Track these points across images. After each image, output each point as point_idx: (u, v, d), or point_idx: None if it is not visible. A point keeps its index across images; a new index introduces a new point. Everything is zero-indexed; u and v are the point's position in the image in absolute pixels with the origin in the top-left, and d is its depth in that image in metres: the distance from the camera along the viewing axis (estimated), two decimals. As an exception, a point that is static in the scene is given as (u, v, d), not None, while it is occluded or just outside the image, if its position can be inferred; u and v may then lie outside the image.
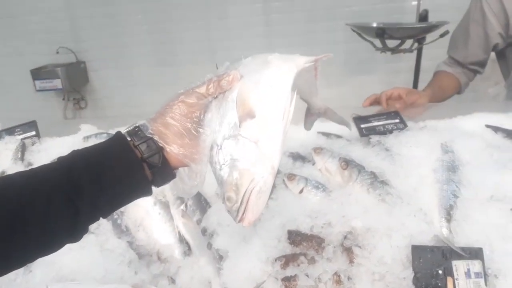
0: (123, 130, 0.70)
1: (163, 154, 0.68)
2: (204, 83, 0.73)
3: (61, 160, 0.66)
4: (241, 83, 0.73)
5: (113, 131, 1.64)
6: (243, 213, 0.68)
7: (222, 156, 0.69)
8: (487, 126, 1.36)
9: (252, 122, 0.68)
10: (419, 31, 1.86)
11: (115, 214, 1.25)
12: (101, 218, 0.68)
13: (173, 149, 0.68)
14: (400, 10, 3.64)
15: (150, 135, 0.68)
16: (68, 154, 0.67)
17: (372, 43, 2.23)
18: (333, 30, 3.85)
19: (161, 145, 0.67)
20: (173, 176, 0.72)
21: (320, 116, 1.02)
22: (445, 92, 1.84)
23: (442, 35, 2.06)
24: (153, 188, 0.72)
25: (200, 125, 0.70)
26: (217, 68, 0.82)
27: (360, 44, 2.70)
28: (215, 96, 0.73)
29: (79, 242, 1.20)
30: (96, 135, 1.57)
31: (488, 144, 1.26)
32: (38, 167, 0.66)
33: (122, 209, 1.27)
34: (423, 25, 1.84)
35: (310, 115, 1.07)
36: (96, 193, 0.63)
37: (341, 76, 4.03)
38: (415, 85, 2.77)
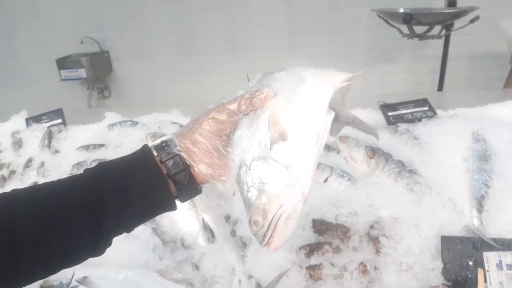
0: (150, 143, 0.69)
1: (190, 171, 0.65)
2: (236, 100, 0.69)
3: (86, 172, 0.65)
4: (274, 102, 0.69)
5: (137, 119, 1.66)
6: (269, 238, 0.64)
7: (250, 177, 0.66)
8: (521, 114, 1.31)
9: (284, 144, 0.65)
10: (448, 17, 1.79)
11: (139, 201, 1.26)
12: (124, 233, 0.67)
13: (201, 169, 0.65)
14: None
15: (178, 152, 0.65)
16: (94, 166, 0.66)
17: (399, 29, 2.16)
18: (356, 17, 3.77)
19: (188, 163, 0.65)
20: (198, 191, 0.69)
21: (348, 124, 0.99)
22: None
23: (472, 21, 1.99)
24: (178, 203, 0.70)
25: (230, 143, 0.67)
26: (248, 80, 0.79)
27: (385, 31, 2.62)
28: (246, 113, 0.70)
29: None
30: (120, 123, 1.58)
31: (521, 133, 1.21)
32: (63, 179, 0.65)
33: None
34: (452, 10, 1.76)
35: (337, 123, 1.03)
36: (119, 208, 0.62)
37: (366, 64, 3.95)
38: (442, 73, 2.68)
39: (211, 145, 0.66)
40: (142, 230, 1.18)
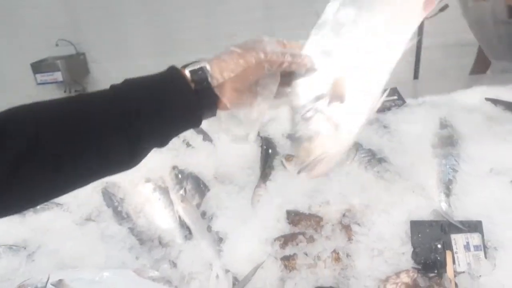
0: (186, 67, 0.70)
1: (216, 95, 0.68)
2: (276, 52, 0.71)
3: (115, 86, 0.66)
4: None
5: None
6: (309, 168, 0.76)
7: (305, 122, 0.75)
8: (487, 99, 1.34)
9: (340, 106, 0.74)
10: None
11: (115, 201, 1.25)
12: (154, 148, 0.69)
13: (227, 104, 0.69)
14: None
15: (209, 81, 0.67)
16: (121, 82, 0.67)
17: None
18: (334, 10, 3.79)
19: (217, 93, 0.68)
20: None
21: None
22: None
23: (441, 10, 2.01)
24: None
25: (261, 85, 0.72)
26: (318, 17, 0.83)
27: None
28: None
29: (80, 230, 1.21)
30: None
31: (487, 117, 1.24)
32: (92, 92, 0.66)
33: (122, 195, 1.30)
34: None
35: None
36: (153, 118, 0.64)
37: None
38: (417, 62, 2.73)
39: (242, 79, 0.69)
40: (118, 231, 1.18)
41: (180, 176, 1.24)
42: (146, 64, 4.25)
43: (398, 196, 1.03)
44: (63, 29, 4.17)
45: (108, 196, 1.26)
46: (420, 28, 2.65)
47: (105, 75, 4.39)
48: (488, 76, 1.96)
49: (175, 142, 1.40)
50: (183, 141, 1.39)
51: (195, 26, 4.15)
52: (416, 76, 2.70)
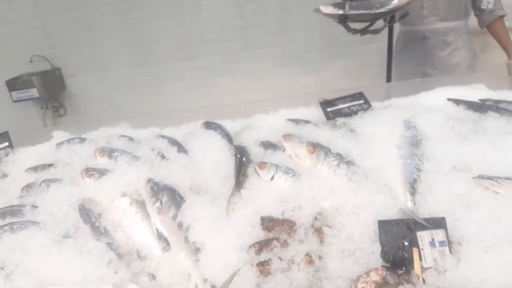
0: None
1: None
2: None
3: None
4: None
5: (90, 134, 1.65)
6: None
7: None
8: (449, 99, 1.40)
9: None
10: (379, 15, 1.88)
11: (92, 217, 1.26)
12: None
13: None
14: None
15: None
16: None
17: (344, 26, 2.23)
18: (307, 16, 3.85)
19: None
20: None
21: None
22: None
23: (402, 17, 2.09)
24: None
25: None
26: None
27: (337, 28, 2.69)
28: None
29: (58, 247, 1.21)
30: (68, 141, 1.57)
31: (449, 117, 1.30)
32: None
33: (99, 211, 1.31)
34: (380, 10, 1.85)
35: None
36: None
37: (320, 61, 4.05)
38: (389, 65, 2.79)
39: None
40: (95, 246, 1.18)
41: (155, 188, 1.25)
42: (124, 74, 4.27)
43: (366, 197, 1.07)
44: (37, 45, 4.13)
45: (85, 212, 1.26)
46: (390, 32, 2.74)
47: (83, 88, 4.36)
48: (451, 77, 2.05)
49: (150, 155, 1.41)
50: (158, 153, 1.41)
51: (171, 36, 4.17)
52: (388, 79, 2.76)
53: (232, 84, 4.15)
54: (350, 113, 1.37)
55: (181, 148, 1.42)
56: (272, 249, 1.04)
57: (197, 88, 4.20)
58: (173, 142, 1.45)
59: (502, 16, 2.12)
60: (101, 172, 1.35)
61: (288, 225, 1.08)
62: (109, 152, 1.43)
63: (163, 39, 4.19)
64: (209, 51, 4.21)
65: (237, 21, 4.13)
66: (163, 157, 1.39)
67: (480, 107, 1.33)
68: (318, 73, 4.03)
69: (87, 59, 4.23)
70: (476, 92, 1.44)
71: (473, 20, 2.27)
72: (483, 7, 2.11)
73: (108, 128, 1.68)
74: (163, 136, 1.51)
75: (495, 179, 1.03)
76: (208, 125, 1.54)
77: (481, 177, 1.05)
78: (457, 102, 1.38)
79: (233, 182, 1.24)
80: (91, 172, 1.35)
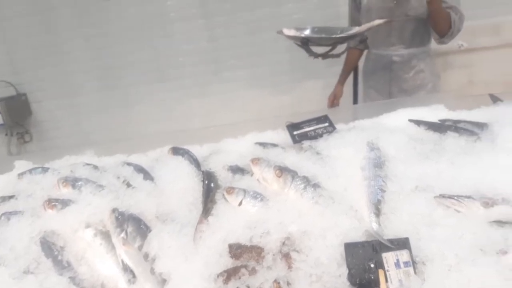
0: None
1: None
2: None
3: None
4: None
5: (53, 164, 1.61)
6: None
7: None
8: (410, 120, 1.44)
9: None
10: (339, 40, 1.94)
11: (55, 250, 1.21)
12: None
13: None
14: (336, 15, 3.78)
15: None
16: None
17: (305, 49, 2.28)
18: (275, 40, 3.92)
19: None
20: None
21: None
22: None
23: (361, 41, 2.16)
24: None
25: None
26: None
27: (303, 52, 2.76)
28: None
29: (18, 284, 1.16)
30: (30, 170, 1.52)
31: (411, 138, 1.34)
32: None
33: (62, 244, 1.26)
34: (341, 35, 1.92)
35: None
36: None
37: (289, 83, 4.12)
38: (355, 87, 2.86)
39: None
40: (57, 281, 1.13)
41: (120, 218, 1.22)
42: (92, 99, 4.21)
43: (332, 219, 1.08)
44: (1, 70, 4.03)
45: (47, 246, 1.21)
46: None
47: (49, 114, 4.26)
48: (413, 99, 2.13)
49: (115, 183, 1.38)
50: (124, 181, 1.38)
51: (140, 58, 4.17)
52: (355, 101, 2.83)
53: (203, 107, 4.16)
54: (315, 136, 1.40)
55: (147, 175, 1.40)
56: (240, 277, 1.02)
57: (167, 112, 4.18)
58: (139, 169, 1.43)
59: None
60: (64, 203, 1.31)
61: (256, 251, 1.07)
62: (73, 182, 1.39)
63: (133, 63, 4.17)
64: (180, 74, 4.22)
65: (207, 44, 4.17)
66: (128, 185, 1.36)
67: (439, 127, 1.38)
68: (288, 95, 4.10)
69: (54, 84, 4.15)
70: (436, 113, 1.50)
71: (435, 44, 2.38)
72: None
73: (72, 156, 1.63)
74: (129, 164, 1.48)
75: (455, 197, 1.06)
76: (176, 150, 1.53)
77: (442, 196, 1.07)
78: (418, 123, 1.42)
79: (200, 209, 1.23)
80: (53, 203, 1.31)
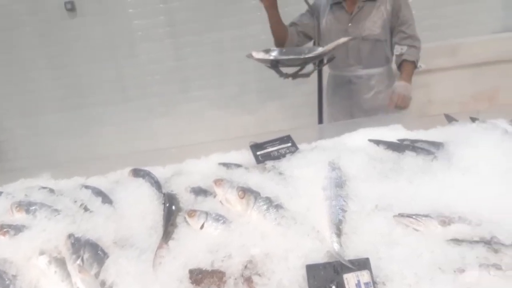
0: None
1: None
2: None
3: None
4: None
5: (7, 187, 1.53)
6: None
7: None
8: (370, 140, 1.47)
9: None
10: (308, 60, 1.99)
11: (6, 279, 1.14)
12: None
13: None
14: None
15: None
16: None
17: (275, 70, 2.32)
18: (242, 60, 3.96)
19: None
20: None
21: None
22: None
23: (328, 61, 2.22)
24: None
25: None
26: None
27: (270, 72, 2.80)
28: None
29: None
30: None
31: (371, 157, 1.36)
32: None
33: (14, 272, 1.19)
34: (311, 55, 1.97)
35: None
36: None
37: (255, 103, 4.16)
38: (320, 106, 2.91)
39: None
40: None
41: (76, 244, 1.17)
42: (54, 119, 4.08)
43: (294, 241, 1.07)
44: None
45: (-3, 275, 1.14)
46: (319, 75, 2.89)
47: (9, 135, 4.11)
48: (373, 119, 2.20)
49: (72, 208, 1.33)
50: (81, 205, 1.33)
51: (105, 79, 4.11)
52: (320, 121, 2.87)
53: (169, 127, 4.12)
54: (278, 156, 1.40)
55: (106, 199, 1.35)
56: (201, 303, 0.99)
57: (131, 132, 4.12)
58: (98, 192, 1.38)
59: (408, 60, 2.30)
60: (17, 229, 1.25)
61: (217, 276, 1.04)
62: (27, 206, 1.33)
63: (97, 83, 4.11)
64: (145, 94, 4.19)
65: (174, 64, 4.16)
66: (86, 209, 1.31)
67: (398, 146, 1.41)
68: (254, 114, 4.13)
69: (14, 104, 4.02)
70: (394, 133, 1.54)
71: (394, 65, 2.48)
72: (396, 52, 2.32)
73: (28, 179, 1.56)
74: (87, 186, 1.43)
75: (413, 216, 1.08)
76: (136, 172, 1.49)
77: (400, 215, 1.09)
78: (378, 142, 1.46)
79: (161, 233, 1.19)
80: (6, 229, 1.25)
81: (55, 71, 4.04)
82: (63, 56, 3.99)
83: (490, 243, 0.98)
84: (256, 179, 1.31)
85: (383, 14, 2.24)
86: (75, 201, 1.36)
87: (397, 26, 2.28)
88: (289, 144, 1.43)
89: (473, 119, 1.53)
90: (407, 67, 2.31)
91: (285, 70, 2.19)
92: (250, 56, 2.15)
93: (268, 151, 1.42)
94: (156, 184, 1.41)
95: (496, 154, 1.27)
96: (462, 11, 3.88)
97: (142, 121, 4.14)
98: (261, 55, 2.09)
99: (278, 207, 1.17)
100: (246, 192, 1.22)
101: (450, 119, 1.64)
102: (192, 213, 1.21)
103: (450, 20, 3.91)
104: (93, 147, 4.12)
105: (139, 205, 1.31)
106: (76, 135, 4.13)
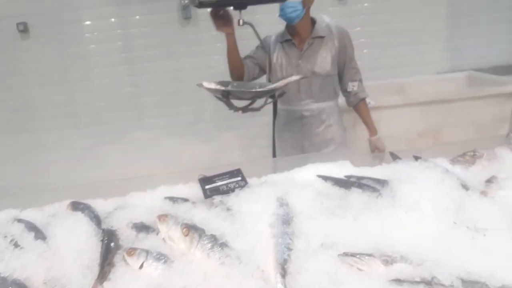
0: None
1: None
2: None
3: None
4: None
5: None
6: None
7: None
8: (318, 176, 1.49)
9: None
10: (260, 94, 2.00)
11: None
12: None
13: None
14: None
15: None
16: None
17: (225, 102, 2.31)
18: (198, 89, 3.95)
19: None
20: None
21: None
22: None
23: (279, 96, 2.25)
24: None
25: None
26: None
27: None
28: None
29: None
30: None
31: (319, 193, 1.37)
32: None
33: None
34: (262, 89, 1.99)
35: None
36: None
37: (211, 132, 4.13)
38: (274, 138, 2.93)
39: None
40: None
41: (1, 285, 1.06)
42: (2, 143, 3.84)
43: (238, 282, 1.03)
44: None
45: None
46: (275, 108, 2.92)
47: None
48: (322, 154, 2.24)
49: (1, 244, 1.22)
50: (11, 241, 1.23)
51: (55, 103, 3.96)
52: (274, 155, 2.88)
53: (120, 155, 3.99)
54: (227, 191, 1.37)
55: (39, 234, 1.25)
56: None
57: (81, 159, 3.95)
58: (31, 227, 1.28)
59: (364, 98, 2.43)
60: None
61: (154, 321, 0.98)
62: None
63: (46, 106, 3.97)
64: (97, 120, 4.06)
65: (129, 90, 4.09)
66: (16, 245, 1.21)
67: (345, 183, 1.43)
68: (209, 144, 4.10)
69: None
70: (342, 169, 1.56)
71: (342, 99, 2.55)
72: (349, 89, 2.40)
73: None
74: (19, 220, 1.33)
75: (357, 256, 1.07)
76: (75, 205, 1.41)
77: (345, 254, 1.08)
78: (326, 178, 1.47)
79: (97, 273, 1.11)
80: None
81: (2, 93, 3.85)
82: (12, 77, 3.83)
83: (430, 283, 0.99)
84: (202, 215, 1.27)
85: (331, 50, 2.32)
86: (5, 236, 1.25)
87: (346, 62, 2.38)
88: (239, 178, 1.41)
89: (416, 158, 1.59)
90: (367, 112, 2.46)
91: (235, 103, 2.20)
92: (200, 85, 2.13)
93: (217, 185, 1.39)
94: (96, 219, 1.33)
95: (437, 192, 1.31)
96: (411, 51, 4.14)
97: (93, 149, 4.00)
98: (212, 85, 2.07)
99: (223, 245, 1.13)
100: (190, 229, 1.17)
101: (394, 156, 1.69)
102: (131, 251, 1.14)
103: (400, 59, 4.15)
104: (39, 174, 3.91)
105: (75, 241, 1.23)
106: (22, 161, 3.92)
